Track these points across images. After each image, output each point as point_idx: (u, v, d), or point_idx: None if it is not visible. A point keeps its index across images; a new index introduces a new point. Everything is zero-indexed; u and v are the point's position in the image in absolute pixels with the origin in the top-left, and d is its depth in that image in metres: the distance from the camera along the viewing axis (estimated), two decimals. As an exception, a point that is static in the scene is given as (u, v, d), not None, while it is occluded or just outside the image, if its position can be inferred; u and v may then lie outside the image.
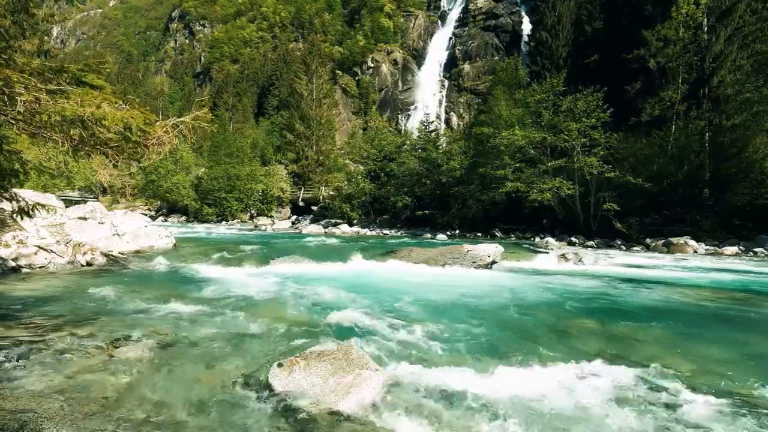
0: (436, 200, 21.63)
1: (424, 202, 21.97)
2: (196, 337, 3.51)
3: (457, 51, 60.73)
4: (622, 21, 21.20)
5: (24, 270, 6.57)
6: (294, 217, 31.33)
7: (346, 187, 26.89)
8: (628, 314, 4.71)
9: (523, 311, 4.76)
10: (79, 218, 8.92)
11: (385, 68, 62.74)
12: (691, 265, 9.09)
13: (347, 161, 33.84)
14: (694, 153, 15.63)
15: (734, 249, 12.01)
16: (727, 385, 2.75)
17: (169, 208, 34.76)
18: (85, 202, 13.89)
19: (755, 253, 11.47)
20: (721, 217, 14.23)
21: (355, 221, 24.53)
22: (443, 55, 63.10)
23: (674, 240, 12.78)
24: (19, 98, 2.52)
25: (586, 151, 15.66)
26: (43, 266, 6.84)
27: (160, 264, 7.66)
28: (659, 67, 17.41)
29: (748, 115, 14.68)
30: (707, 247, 12.49)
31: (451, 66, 61.21)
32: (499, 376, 2.77)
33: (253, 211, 32.39)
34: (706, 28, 16.72)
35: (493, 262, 8.36)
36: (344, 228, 22.07)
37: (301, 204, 32.59)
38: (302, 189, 33.69)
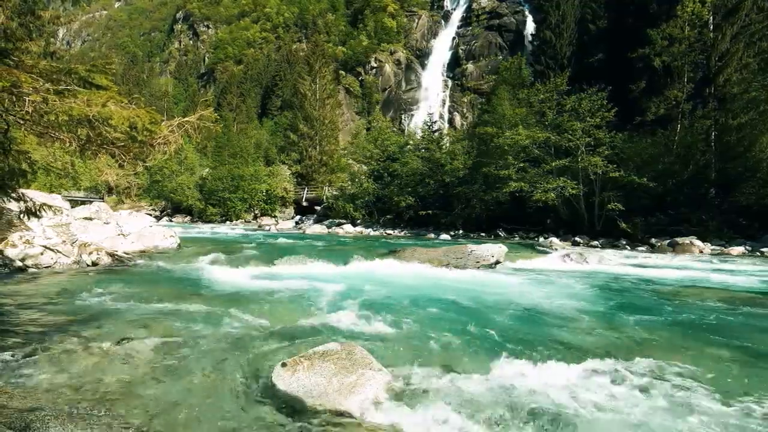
0: (439, 200, 21.59)
1: (427, 202, 21.91)
2: (200, 337, 3.52)
3: (460, 50, 60.69)
4: (627, 20, 21.08)
5: (30, 270, 6.63)
6: (297, 217, 31.34)
7: (349, 187, 26.87)
8: (633, 314, 4.68)
9: (527, 312, 4.74)
10: (85, 218, 8.99)
11: (388, 68, 62.81)
12: (697, 266, 9.02)
13: (351, 161, 33.84)
14: (700, 152, 15.49)
15: (740, 249, 11.89)
16: (730, 385, 2.72)
17: (173, 208, 34.93)
18: (91, 202, 13.99)
19: (762, 253, 11.35)
20: (727, 216, 14.09)
21: (358, 221, 24.51)
22: (446, 55, 63.09)
23: (680, 240, 12.66)
24: (27, 99, 2.54)
25: (590, 151, 15.56)
26: (50, 266, 6.90)
27: (165, 264, 7.70)
28: (664, 66, 17.26)
29: (754, 113, 14.52)
30: (713, 247, 12.36)
31: (454, 66, 61.21)
32: (503, 376, 2.76)
33: (256, 212, 32.45)
34: (711, 27, 16.55)
35: (497, 262, 8.34)
36: (348, 228, 22.07)
37: (304, 204, 32.63)
38: (306, 189, 33.71)
